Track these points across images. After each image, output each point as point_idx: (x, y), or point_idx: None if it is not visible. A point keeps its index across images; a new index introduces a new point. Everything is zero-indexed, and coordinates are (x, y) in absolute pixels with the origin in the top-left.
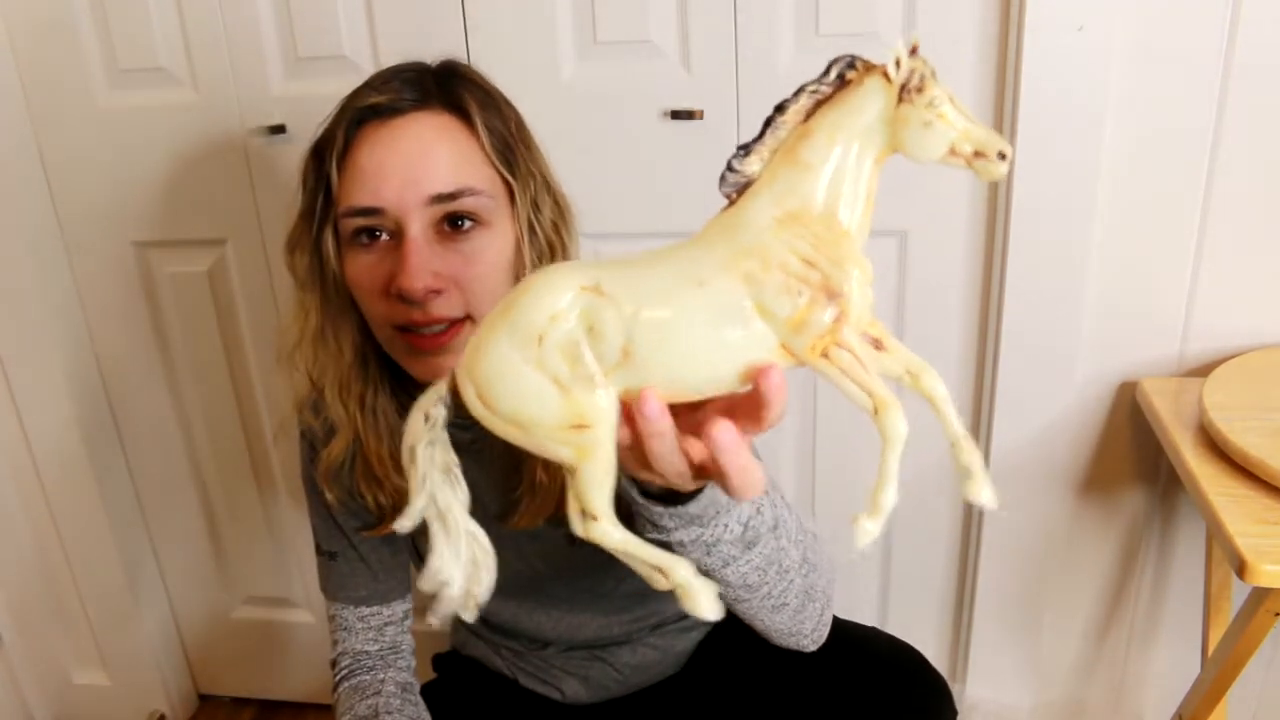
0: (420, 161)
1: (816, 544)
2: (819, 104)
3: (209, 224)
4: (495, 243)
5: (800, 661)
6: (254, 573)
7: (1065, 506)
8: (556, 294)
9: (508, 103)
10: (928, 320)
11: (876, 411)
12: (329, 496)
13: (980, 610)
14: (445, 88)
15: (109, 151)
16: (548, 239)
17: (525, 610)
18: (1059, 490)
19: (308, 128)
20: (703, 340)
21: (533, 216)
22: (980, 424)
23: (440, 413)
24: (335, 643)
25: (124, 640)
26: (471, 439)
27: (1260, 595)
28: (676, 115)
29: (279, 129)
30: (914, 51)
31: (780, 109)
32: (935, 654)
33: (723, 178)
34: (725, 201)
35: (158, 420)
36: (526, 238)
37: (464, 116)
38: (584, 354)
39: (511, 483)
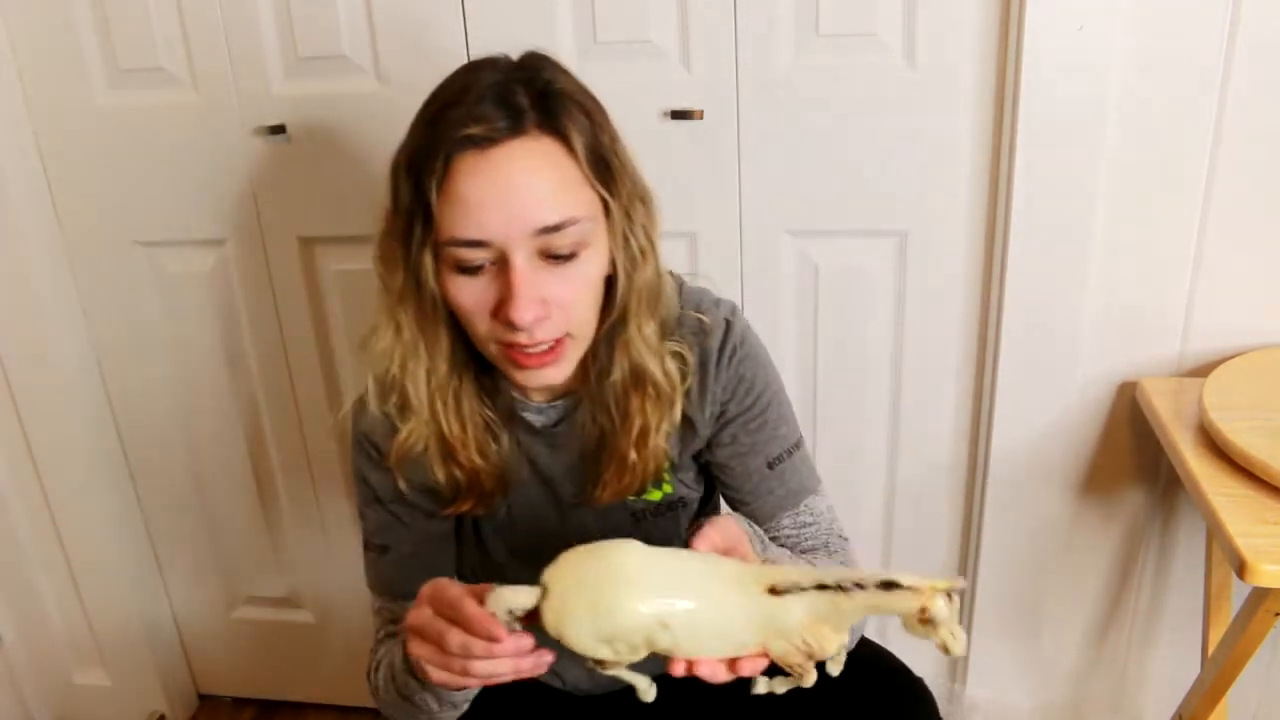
0: (524, 194)
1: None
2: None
3: (209, 224)
4: (594, 261)
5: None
6: (254, 573)
7: (1065, 506)
8: (635, 623)
9: (597, 105)
10: (928, 320)
11: (801, 677)
12: (400, 483)
13: (980, 611)
14: (541, 106)
15: (109, 151)
16: (639, 246)
17: None
18: (1059, 490)
19: (308, 128)
20: (711, 652)
21: (627, 229)
22: (980, 424)
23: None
24: (378, 628)
25: (124, 640)
26: (548, 423)
27: (1260, 595)
28: (676, 115)
29: (279, 129)
30: (951, 596)
31: (856, 584)
32: (935, 655)
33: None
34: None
35: (158, 420)
36: (621, 249)
37: (563, 139)
38: (635, 650)
39: (592, 470)
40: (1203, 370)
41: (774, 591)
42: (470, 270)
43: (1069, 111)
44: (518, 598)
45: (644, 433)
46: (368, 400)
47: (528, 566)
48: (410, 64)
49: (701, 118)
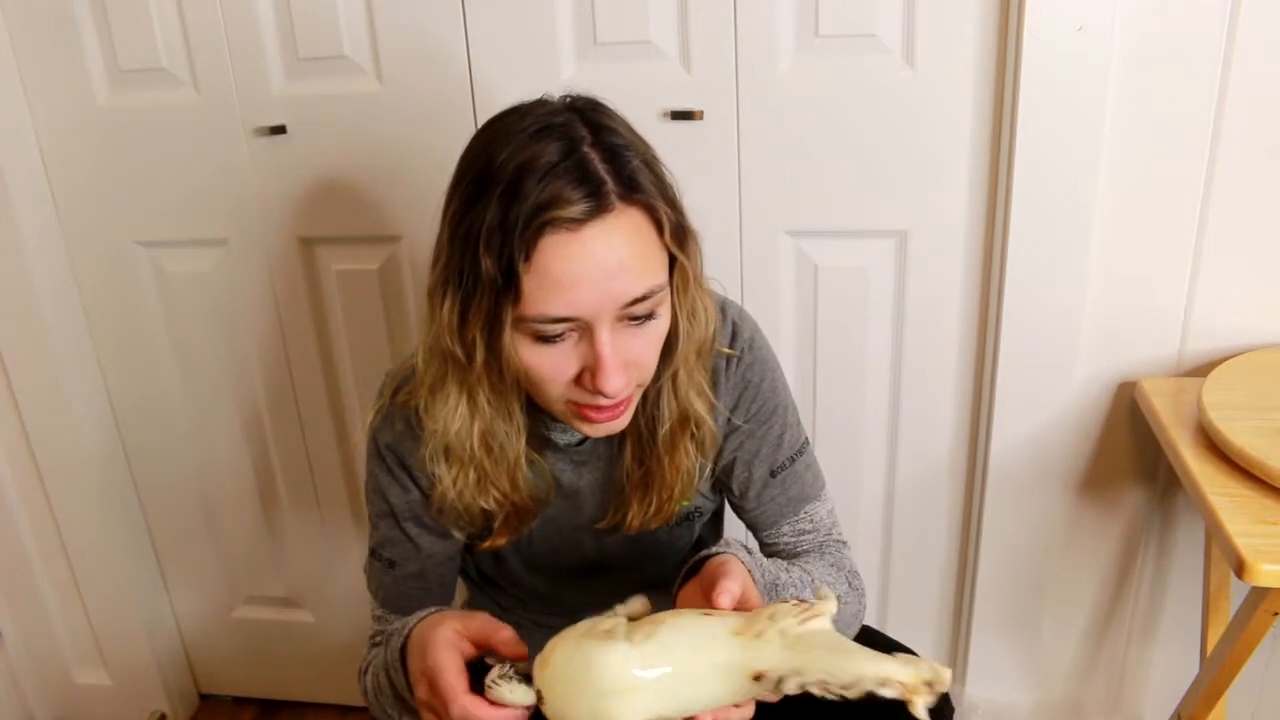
0: (616, 272)
1: (858, 584)
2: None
3: (209, 224)
4: (666, 317)
5: None
6: (254, 573)
7: (1065, 506)
8: (627, 716)
9: (652, 153)
10: (928, 320)
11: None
12: (427, 514)
13: (979, 610)
14: (619, 176)
15: (109, 151)
16: (703, 303)
17: (571, 586)
18: (1059, 490)
19: (308, 128)
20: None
21: (694, 286)
22: (980, 424)
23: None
24: (374, 633)
25: (124, 640)
26: (572, 441)
27: (1259, 595)
28: (676, 115)
29: (279, 129)
30: (930, 685)
31: (841, 690)
32: (935, 654)
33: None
34: None
35: (158, 420)
36: (685, 305)
37: (647, 209)
38: None
39: (628, 501)
40: (1202, 370)
41: (758, 678)
42: (550, 339)
43: (1069, 112)
44: (514, 696)
45: (689, 472)
46: (396, 416)
47: (543, 578)
48: (410, 64)
49: (701, 118)
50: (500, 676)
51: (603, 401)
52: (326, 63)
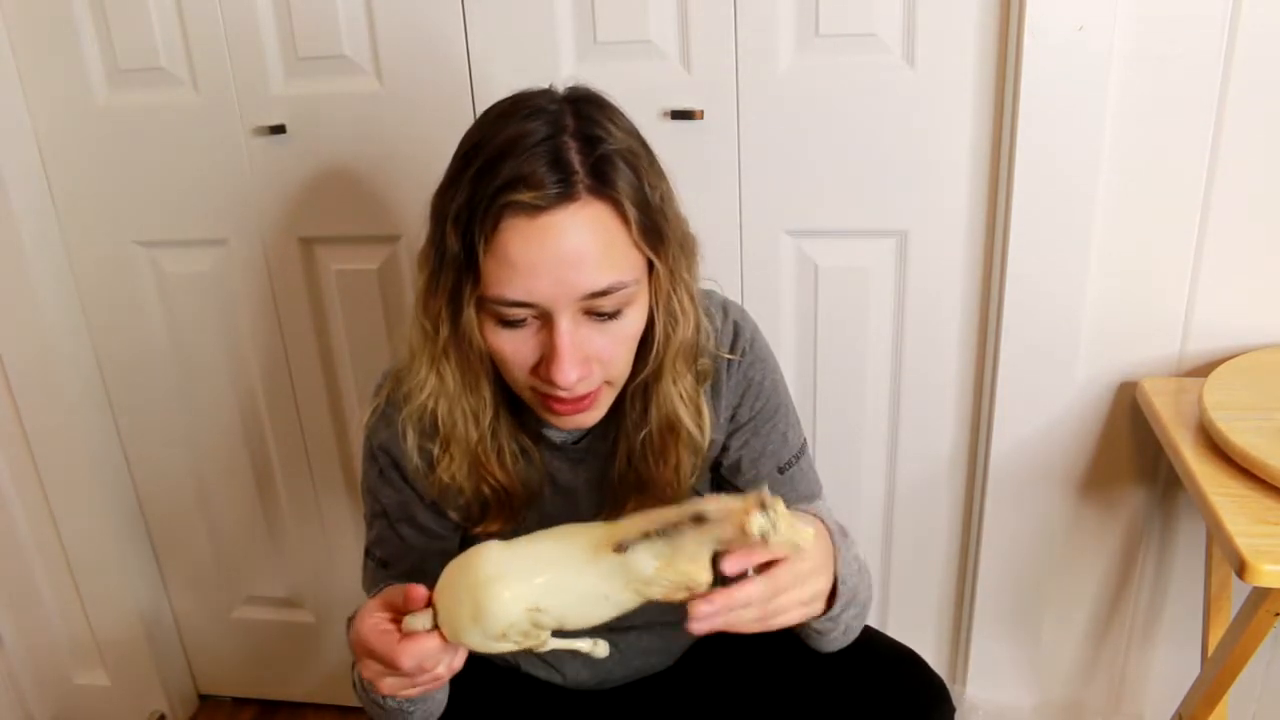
0: (574, 261)
1: (865, 570)
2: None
3: (209, 224)
4: (635, 318)
5: (797, 661)
6: (254, 573)
7: (1065, 506)
8: (511, 615)
9: (647, 155)
10: (928, 320)
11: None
12: (420, 510)
13: (980, 610)
14: (593, 169)
15: (109, 151)
16: (681, 306)
17: None
18: (1059, 490)
19: (308, 128)
20: (601, 617)
21: (670, 289)
22: (980, 424)
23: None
24: None
25: (124, 640)
26: (569, 439)
27: (1260, 595)
28: (676, 115)
29: (279, 129)
30: (762, 506)
31: (673, 525)
32: (935, 654)
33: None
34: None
35: (158, 420)
36: (663, 309)
37: (614, 204)
38: (531, 634)
39: (623, 500)
40: (1203, 370)
41: (619, 549)
42: (512, 324)
43: (1069, 111)
44: (418, 623)
45: (679, 469)
46: (392, 416)
47: None
48: (410, 64)
49: (701, 118)
50: (409, 616)
51: (561, 393)
52: (326, 62)
